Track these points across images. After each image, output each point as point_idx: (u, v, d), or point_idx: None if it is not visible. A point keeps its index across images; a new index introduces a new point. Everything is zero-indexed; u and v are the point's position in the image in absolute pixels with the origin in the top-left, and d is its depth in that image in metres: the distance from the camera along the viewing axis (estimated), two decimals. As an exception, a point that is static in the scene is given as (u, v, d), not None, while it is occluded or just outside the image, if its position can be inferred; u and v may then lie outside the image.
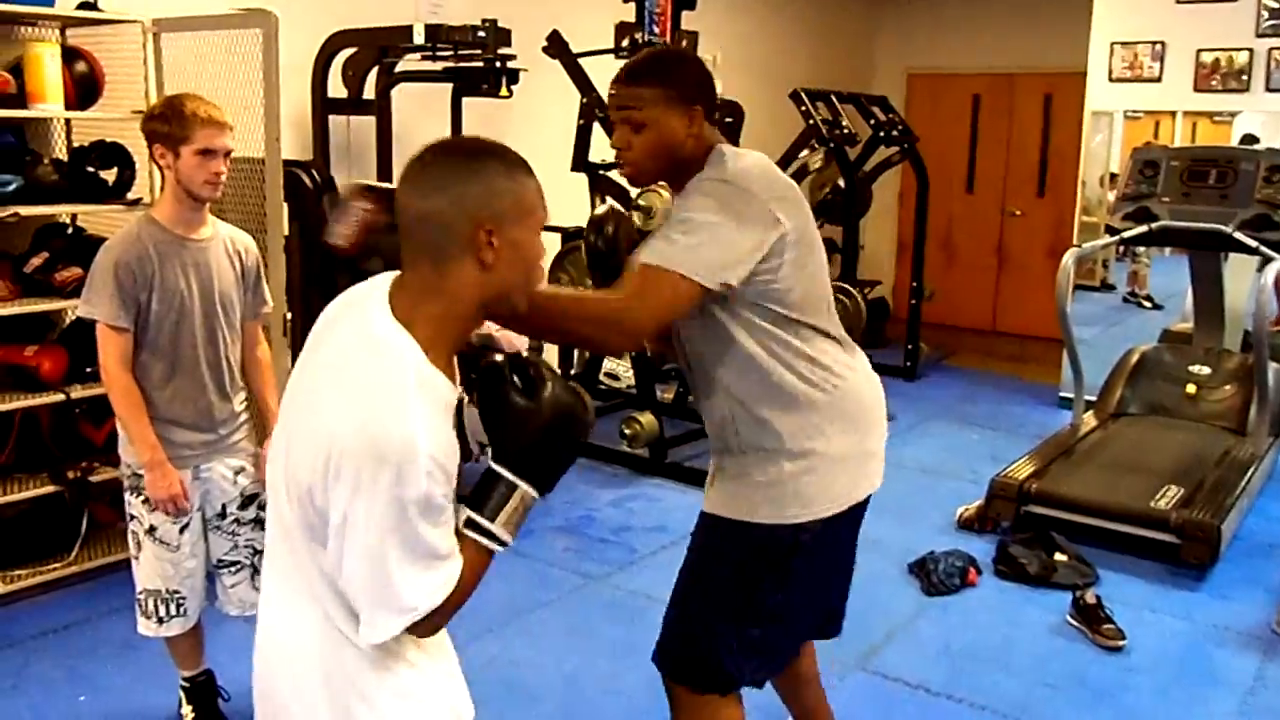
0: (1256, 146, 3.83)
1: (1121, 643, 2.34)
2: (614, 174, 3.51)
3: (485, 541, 0.90)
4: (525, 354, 0.95)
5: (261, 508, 1.86)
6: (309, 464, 0.88)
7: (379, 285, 0.93)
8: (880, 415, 1.43)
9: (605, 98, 3.24)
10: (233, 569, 1.84)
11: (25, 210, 2.32)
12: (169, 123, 1.63)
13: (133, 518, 1.76)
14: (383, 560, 0.85)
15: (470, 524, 0.90)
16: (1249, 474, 3.09)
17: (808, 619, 1.48)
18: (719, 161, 1.32)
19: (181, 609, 1.78)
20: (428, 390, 0.87)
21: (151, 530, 1.74)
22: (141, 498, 1.73)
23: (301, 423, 0.91)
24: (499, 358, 0.92)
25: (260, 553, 1.84)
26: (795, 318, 1.31)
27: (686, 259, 1.23)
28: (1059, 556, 2.76)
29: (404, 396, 0.85)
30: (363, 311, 0.92)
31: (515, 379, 0.91)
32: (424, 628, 0.90)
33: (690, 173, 1.33)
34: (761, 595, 1.37)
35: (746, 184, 1.29)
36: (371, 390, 0.86)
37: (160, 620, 1.78)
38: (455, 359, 0.95)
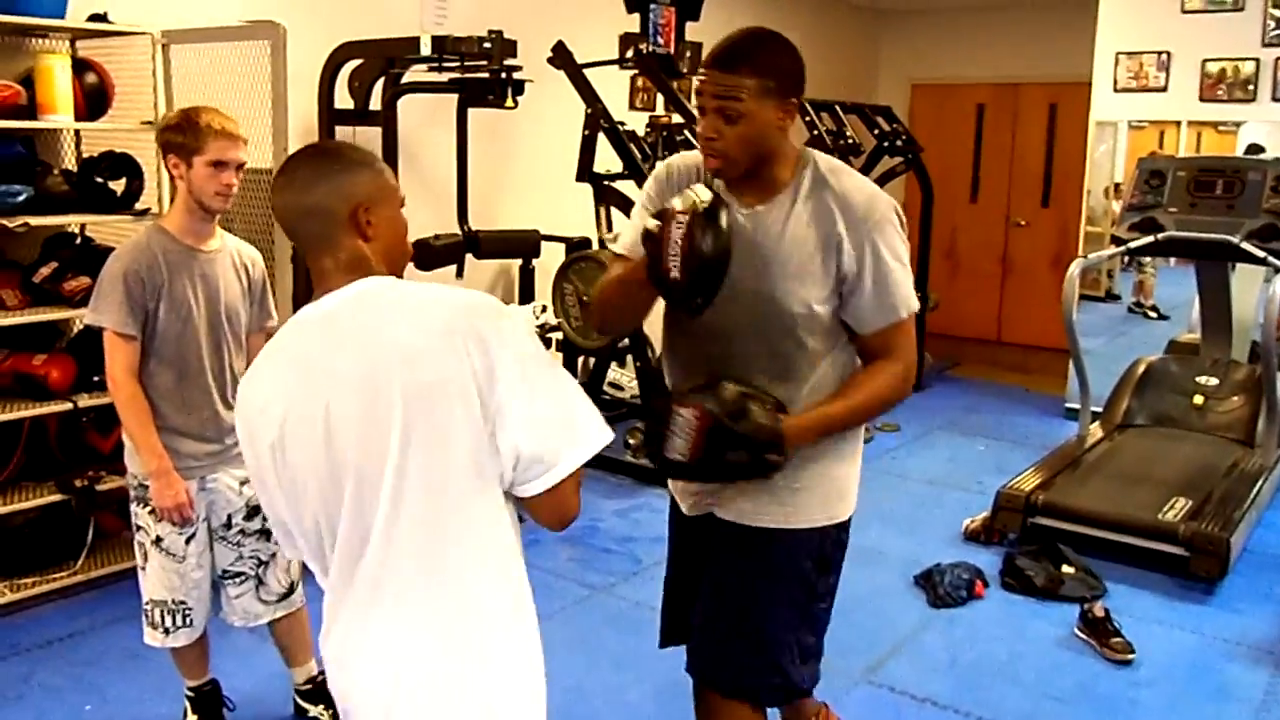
0: (1262, 156, 3.83)
1: (1130, 656, 2.33)
2: (619, 184, 3.52)
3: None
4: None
5: (266, 518, 1.86)
6: (448, 403, 0.93)
7: (316, 305, 1.02)
8: None
9: (605, 117, 3.33)
10: (237, 580, 1.84)
11: (35, 220, 2.34)
12: (183, 134, 1.65)
13: (139, 528, 1.77)
14: (563, 390, 1.00)
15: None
16: (1258, 486, 3.06)
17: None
18: (849, 172, 1.31)
19: (188, 619, 1.78)
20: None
21: (158, 541, 1.75)
22: (148, 508, 1.74)
23: (361, 383, 0.95)
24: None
25: (265, 564, 1.85)
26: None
27: (913, 296, 1.31)
28: (1066, 569, 2.74)
29: (451, 287, 1.02)
30: (320, 303, 1.01)
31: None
32: (569, 494, 1.04)
33: (774, 168, 1.28)
34: (818, 600, 1.39)
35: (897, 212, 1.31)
36: (422, 301, 0.99)
37: (167, 631, 1.78)
38: None
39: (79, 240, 2.61)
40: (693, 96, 1.36)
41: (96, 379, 2.41)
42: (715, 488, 1.37)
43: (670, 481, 1.48)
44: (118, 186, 2.53)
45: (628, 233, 1.38)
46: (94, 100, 2.51)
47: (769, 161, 1.28)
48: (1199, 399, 3.60)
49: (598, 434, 1.00)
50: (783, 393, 1.30)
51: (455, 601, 0.97)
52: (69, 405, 2.40)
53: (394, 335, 0.95)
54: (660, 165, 1.41)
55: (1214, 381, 3.63)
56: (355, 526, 0.96)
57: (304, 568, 2.01)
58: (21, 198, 2.33)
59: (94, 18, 2.50)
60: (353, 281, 1.00)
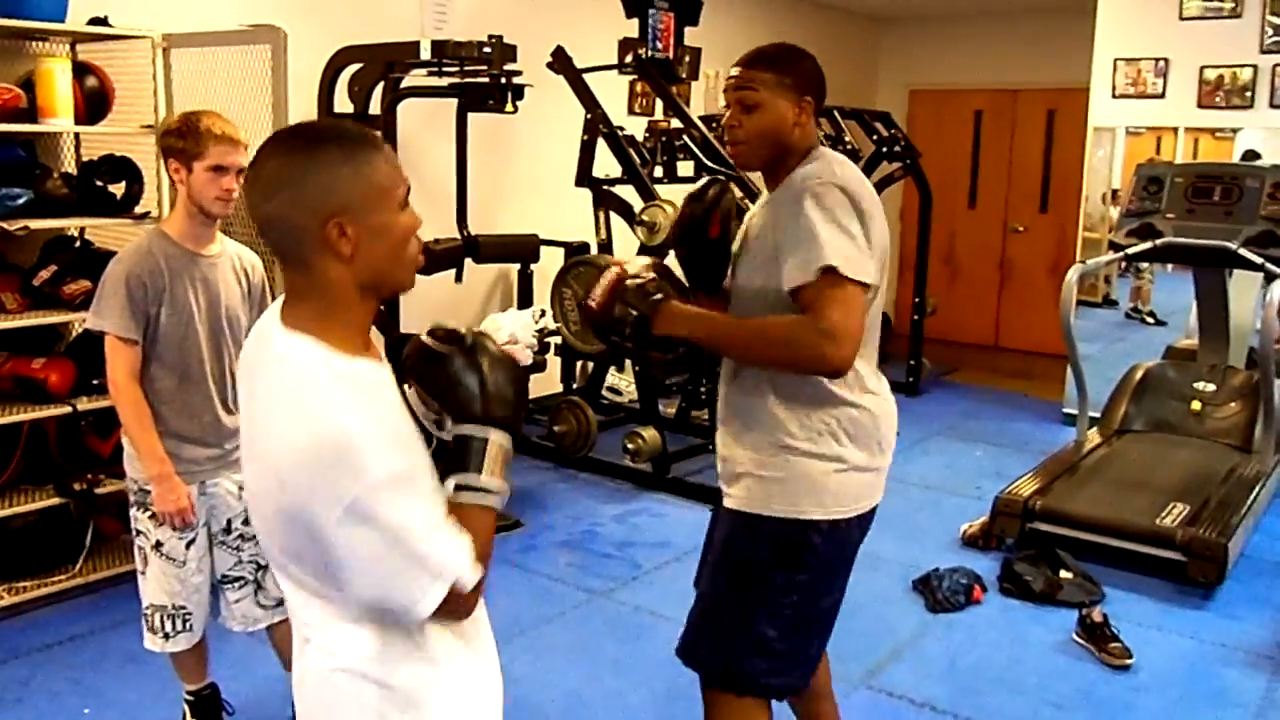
0: (1259, 163, 3.84)
1: (1128, 661, 2.33)
2: (618, 189, 3.53)
3: (480, 499, 0.89)
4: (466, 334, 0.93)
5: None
6: (278, 516, 0.85)
7: (274, 306, 0.93)
8: (892, 437, 1.46)
9: (605, 122, 3.33)
10: (237, 585, 1.84)
11: (34, 223, 2.34)
12: (184, 138, 1.65)
13: (139, 533, 1.77)
14: (394, 545, 0.82)
15: (460, 489, 0.88)
16: (1255, 491, 3.07)
17: (825, 627, 1.47)
18: (826, 162, 1.35)
19: (188, 624, 1.78)
20: (346, 380, 0.85)
21: (158, 545, 1.75)
22: (148, 513, 1.74)
23: (255, 479, 0.89)
24: (425, 338, 0.92)
25: (263, 568, 1.84)
26: None
27: (862, 262, 1.26)
28: (1064, 574, 2.74)
29: (321, 397, 0.83)
30: (261, 337, 0.92)
31: (458, 342, 0.91)
32: (460, 603, 0.87)
33: (789, 164, 1.37)
34: (776, 593, 1.37)
35: (861, 197, 1.30)
36: (290, 405, 0.84)
37: (167, 635, 1.78)
38: (376, 340, 0.95)
39: (79, 244, 2.62)
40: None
41: (96, 382, 2.41)
42: (723, 475, 1.44)
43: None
44: (118, 190, 2.53)
45: None
46: (94, 104, 2.51)
47: (784, 157, 1.37)
48: (1196, 405, 3.61)
49: (439, 564, 0.84)
50: (748, 383, 1.39)
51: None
52: (68, 408, 2.40)
53: (265, 465, 0.86)
54: None
55: (1211, 387, 3.64)
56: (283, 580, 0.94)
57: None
58: (21, 201, 2.33)
59: (94, 21, 2.51)
60: (302, 327, 0.86)
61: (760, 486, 1.37)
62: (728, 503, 1.42)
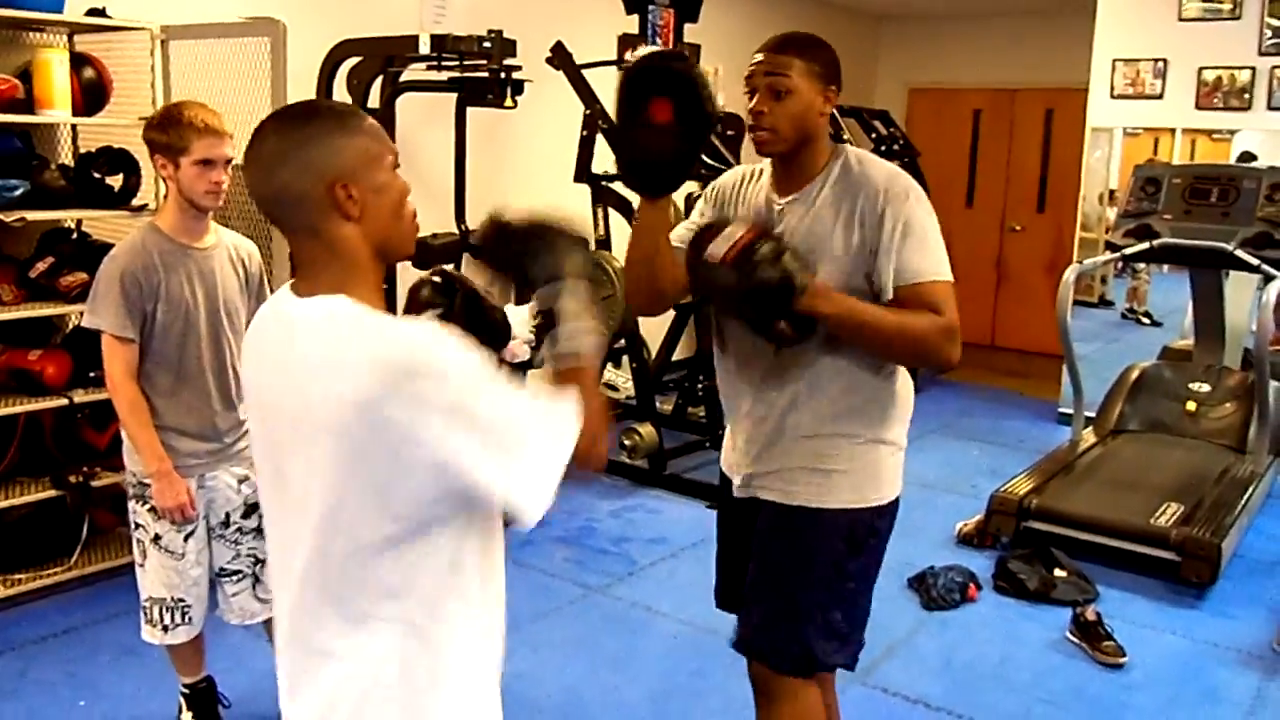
0: (1255, 164, 3.85)
1: (1121, 660, 2.34)
2: (616, 185, 3.52)
3: (570, 360, 0.94)
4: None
5: (263, 517, 1.86)
6: (338, 471, 0.83)
7: (281, 290, 0.95)
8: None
9: (604, 118, 3.35)
10: (235, 578, 1.84)
11: (31, 215, 2.33)
12: (167, 133, 1.63)
13: (138, 526, 1.76)
14: (503, 411, 0.84)
15: (558, 356, 0.94)
16: (1249, 492, 3.09)
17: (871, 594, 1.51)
18: (876, 160, 1.37)
19: (186, 617, 1.78)
20: (378, 312, 0.88)
21: (157, 539, 1.74)
22: (147, 506, 1.73)
23: (304, 448, 0.86)
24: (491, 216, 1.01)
25: (261, 562, 1.84)
26: None
27: (948, 265, 1.33)
28: (1059, 573, 2.75)
29: (381, 326, 0.85)
30: (278, 315, 0.92)
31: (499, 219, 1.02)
32: (586, 448, 0.89)
33: (811, 154, 1.37)
34: (847, 579, 1.43)
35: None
36: (349, 343, 0.84)
37: (165, 628, 1.78)
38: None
39: (75, 235, 2.61)
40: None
41: (92, 374, 2.40)
42: (760, 472, 1.43)
43: (722, 459, 1.54)
44: (115, 182, 2.52)
45: (678, 230, 1.46)
46: (92, 95, 2.50)
47: (808, 146, 1.37)
48: (1191, 405, 3.62)
49: (563, 425, 0.88)
50: (797, 373, 1.38)
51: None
52: (64, 401, 2.39)
53: (324, 390, 0.83)
54: (710, 185, 1.51)
55: (1206, 388, 3.65)
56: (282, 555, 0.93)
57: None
58: (18, 192, 2.32)
59: (92, 12, 2.49)
60: (323, 292, 0.88)
61: (826, 480, 1.39)
62: (778, 498, 1.42)
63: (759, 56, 1.36)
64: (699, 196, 1.53)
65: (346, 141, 0.89)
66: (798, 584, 1.41)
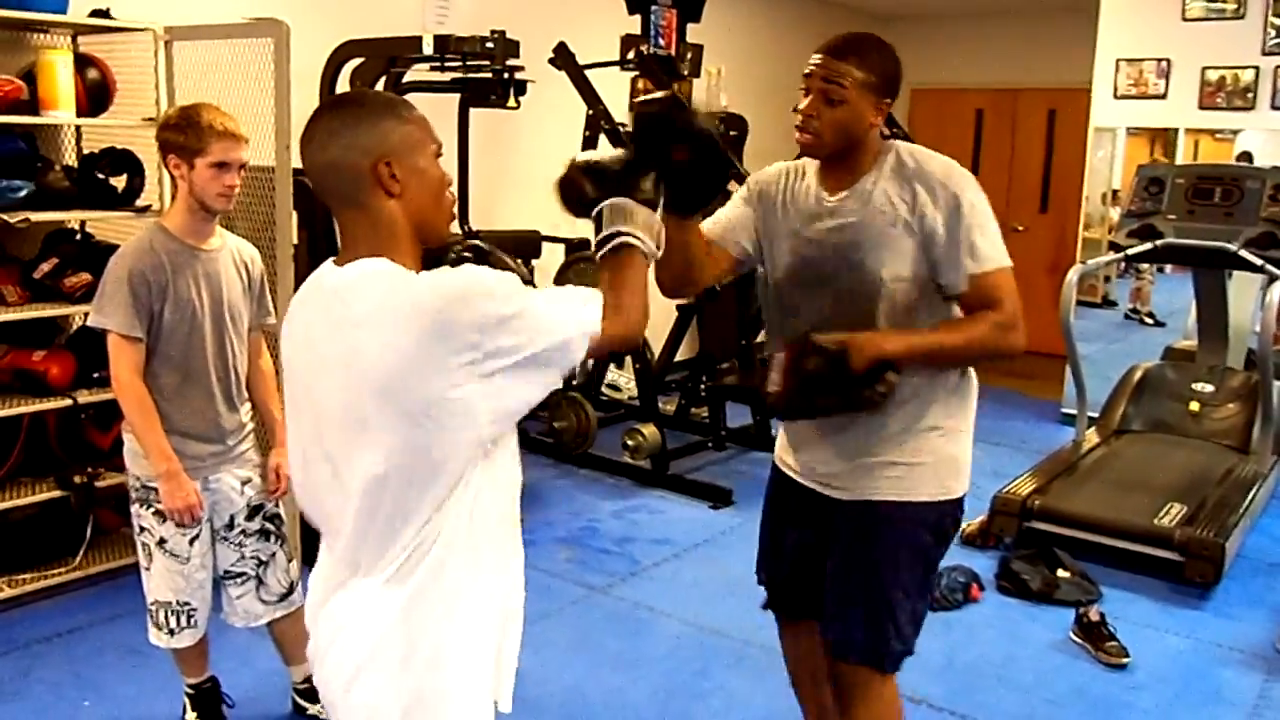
0: (1256, 164, 3.85)
1: (1125, 660, 2.34)
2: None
3: (631, 241, 1.03)
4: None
5: (267, 518, 1.86)
6: (389, 406, 0.91)
7: (324, 264, 1.02)
8: None
9: (606, 119, 3.37)
10: (239, 580, 1.84)
11: (35, 216, 2.33)
12: (184, 134, 1.63)
13: (142, 529, 1.76)
14: (534, 314, 0.93)
15: (614, 235, 1.03)
16: (1252, 492, 3.08)
17: None
18: (928, 152, 1.38)
19: (192, 620, 1.79)
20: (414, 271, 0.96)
21: (162, 542, 1.75)
22: (151, 509, 1.73)
23: (351, 388, 0.93)
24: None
25: (265, 564, 1.85)
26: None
27: (1005, 251, 1.33)
28: (1062, 573, 2.75)
29: (428, 273, 0.95)
30: (321, 285, 0.99)
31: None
32: (615, 319, 0.98)
33: (858, 155, 1.37)
34: (931, 570, 1.47)
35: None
36: (402, 285, 0.93)
37: (172, 631, 1.78)
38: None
39: (79, 236, 2.61)
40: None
41: (96, 375, 2.41)
42: (838, 470, 1.43)
43: (780, 453, 1.56)
44: (119, 183, 2.53)
45: (716, 217, 1.49)
46: (95, 96, 2.51)
47: (854, 151, 1.37)
48: (1195, 405, 3.62)
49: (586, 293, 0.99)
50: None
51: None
52: (68, 401, 2.40)
53: (369, 345, 0.91)
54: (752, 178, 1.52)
55: (1210, 388, 3.64)
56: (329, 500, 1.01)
57: (303, 567, 2.01)
58: (22, 193, 2.33)
59: (96, 13, 2.50)
60: (363, 258, 0.96)
61: (910, 474, 1.40)
62: (861, 495, 1.42)
63: (819, 58, 1.35)
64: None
65: (395, 123, 0.97)
66: (890, 581, 1.41)
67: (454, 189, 1.06)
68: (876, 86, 1.34)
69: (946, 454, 1.41)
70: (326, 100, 1.07)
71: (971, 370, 1.46)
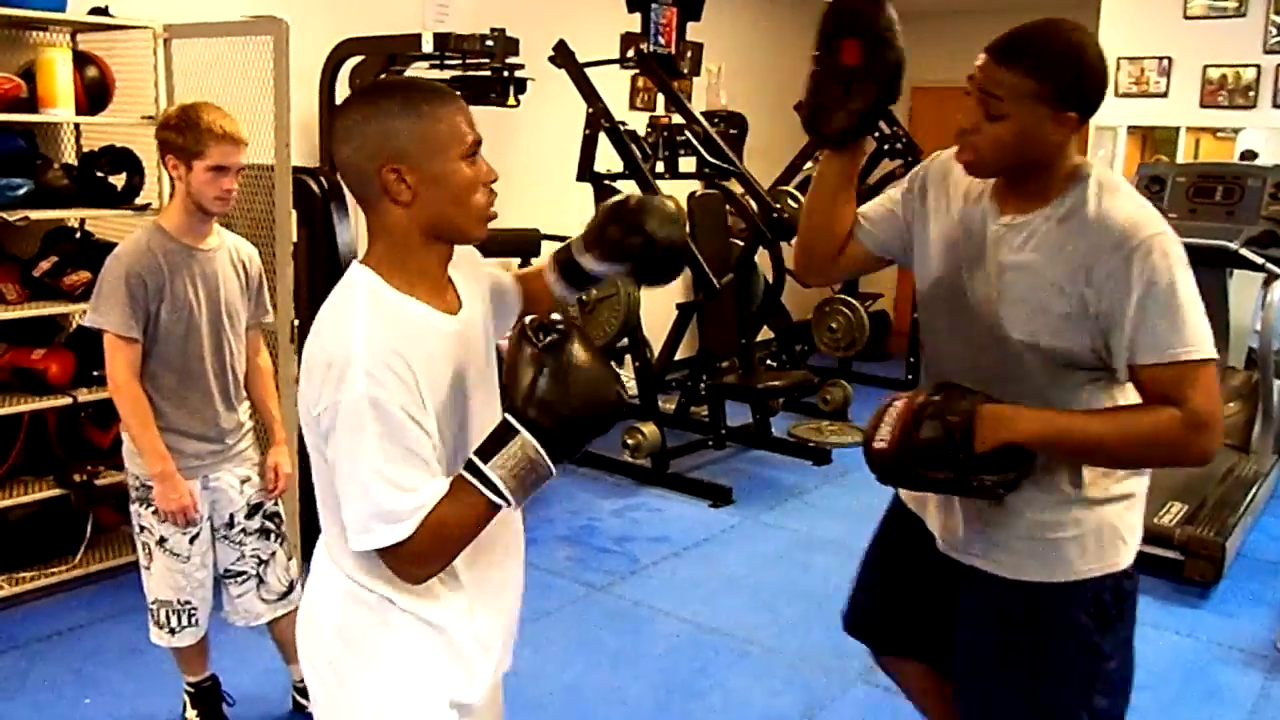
0: (1257, 162, 3.84)
1: (1124, 659, 2.34)
2: (619, 184, 3.52)
3: (476, 483, 0.87)
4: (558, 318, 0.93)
5: (266, 517, 1.86)
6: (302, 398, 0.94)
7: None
8: None
9: (606, 117, 3.37)
10: (239, 579, 1.84)
11: (35, 214, 2.33)
12: (183, 135, 1.62)
13: (142, 529, 1.76)
14: (354, 458, 0.87)
15: (467, 464, 0.89)
16: (1253, 491, 3.08)
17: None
18: (1131, 197, 1.11)
19: (193, 619, 1.79)
20: (383, 310, 0.91)
21: (162, 541, 1.74)
22: (151, 508, 1.73)
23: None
24: (526, 319, 0.93)
25: (265, 563, 1.85)
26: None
27: (1208, 338, 1.06)
28: (1062, 571, 2.75)
29: (350, 311, 0.91)
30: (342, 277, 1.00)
31: (539, 335, 0.90)
32: (405, 560, 0.89)
33: (1041, 177, 1.12)
34: (1103, 659, 1.19)
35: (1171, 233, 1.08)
36: (326, 314, 0.94)
37: (172, 631, 1.78)
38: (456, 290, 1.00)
39: (79, 235, 2.61)
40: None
41: (96, 374, 2.40)
42: (971, 537, 1.21)
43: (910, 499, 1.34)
44: (118, 181, 2.53)
45: (873, 203, 1.32)
46: (95, 94, 2.50)
47: (1035, 172, 1.12)
48: (1195, 404, 3.61)
49: (384, 505, 0.87)
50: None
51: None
52: (68, 400, 2.40)
53: (304, 355, 0.94)
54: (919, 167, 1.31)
55: (1210, 386, 3.64)
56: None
57: (303, 566, 2.00)
58: (21, 191, 2.33)
59: (95, 11, 2.49)
60: (367, 262, 0.94)
61: (1055, 550, 1.16)
62: (996, 570, 1.19)
63: (981, 58, 1.11)
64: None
65: (409, 124, 0.90)
66: (1043, 678, 1.17)
67: (495, 186, 0.96)
68: (1049, 96, 1.06)
69: (1098, 523, 1.16)
70: (355, 89, 1.01)
71: None
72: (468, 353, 0.98)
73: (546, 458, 0.88)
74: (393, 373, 0.87)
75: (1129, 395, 1.13)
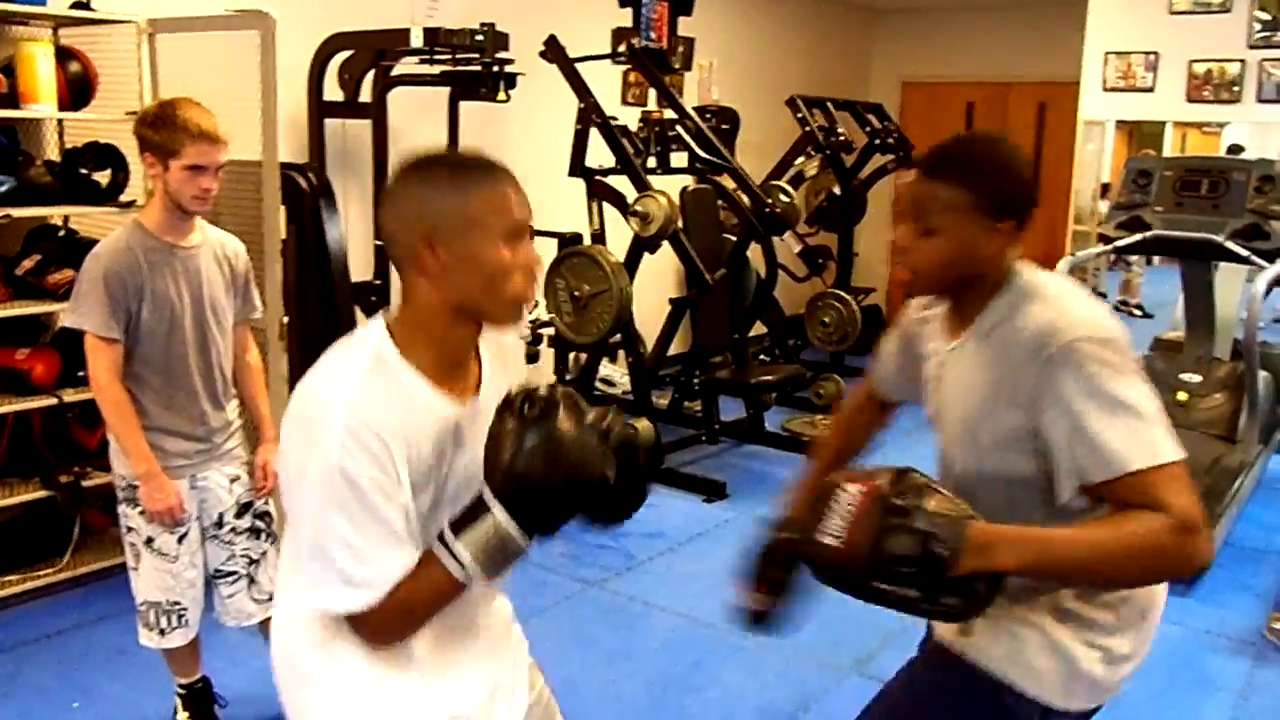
0: (1244, 156, 3.88)
1: (1115, 649, 2.36)
2: (611, 180, 3.51)
3: (441, 559, 0.86)
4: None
5: (257, 516, 1.84)
6: None
7: None
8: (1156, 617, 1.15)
9: (598, 112, 3.36)
10: (230, 579, 1.83)
11: (17, 212, 2.30)
12: (160, 132, 1.59)
13: (129, 529, 1.74)
14: (318, 522, 0.85)
15: (439, 535, 0.87)
16: (1239, 480, 3.11)
17: None
18: (1055, 300, 1.03)
19: (183, 619, 1.77)
20: (378, 374, 0.88)
21: (150, 542, 1.73)
22: (138, 509, 1.71)
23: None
24: (514, 387, 0.89)
25: (256, 562, 1.83)
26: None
27: (1167, 432, 0.96)
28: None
29: (344, 371, 0.88)
30: None
31: (524, 406, 0.86)
32: (363, 625, 0.88)
33: (978, 292, 1.07)
34: None
35: (1120, 335, 1.00)
36: (327, 360, 0.91)
37: (162, 632, 1.77)
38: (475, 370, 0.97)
39: (63, 232, 2.57)
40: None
41: (81, 374, 2.36)
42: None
43: None
44: (102, 178, 2.49)
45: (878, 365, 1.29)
46: (77, 90, 2.47)
47: (971, 289, 1.08)
48: (1183, 396, 3.65)
49: (341, 567, 0.85)
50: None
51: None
52: (53, 400, 2.37)
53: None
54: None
55: (1197, 379, 3.68)
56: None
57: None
58: (3, 189, 2.29)
59: (77, 5, 2.46)
60: (388, 320, 0.91)
61: (1019, 645, 1.08)
62: (946, 635, 1.13)
63: (909, 174, 1.11)
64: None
65: (450, 199, 0.87)
66: None
67: (535, 271, 0.91)
68: (982, 206, 1.03)
69: (1075, 652, 1.05)
70: (417, 156, 0.92)
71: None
72: (467, 437, 0.93)
73: (518, 536, 0.85)
74: (365, 448, 0.84)
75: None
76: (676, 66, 3.80)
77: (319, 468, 0.84)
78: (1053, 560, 0.96)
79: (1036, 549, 0.95)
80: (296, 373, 2.53)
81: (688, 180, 3.91)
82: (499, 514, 0.85)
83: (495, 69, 3.01)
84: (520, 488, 0.84)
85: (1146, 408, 0.98)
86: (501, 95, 3.04)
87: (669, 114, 3.63)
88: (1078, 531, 0.97)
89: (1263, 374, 3.39)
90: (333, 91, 3.16)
